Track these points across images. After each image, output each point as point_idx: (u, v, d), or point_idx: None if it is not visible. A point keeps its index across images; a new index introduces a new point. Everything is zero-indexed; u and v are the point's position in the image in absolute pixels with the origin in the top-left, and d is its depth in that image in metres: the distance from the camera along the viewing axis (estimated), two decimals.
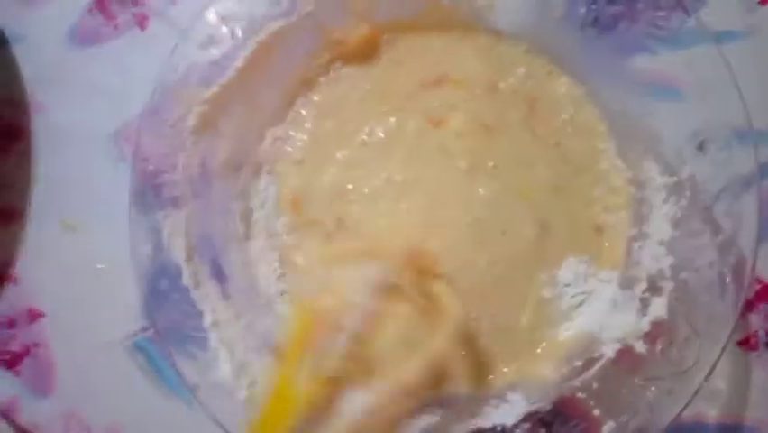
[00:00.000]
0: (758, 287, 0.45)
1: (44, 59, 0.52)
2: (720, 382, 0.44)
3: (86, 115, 0.51)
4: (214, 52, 0.41)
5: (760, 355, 0.44)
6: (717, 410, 0.43)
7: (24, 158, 0.50)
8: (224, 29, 0.41)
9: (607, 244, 0.42)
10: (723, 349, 0.36)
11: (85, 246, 0.49)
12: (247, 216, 0.45)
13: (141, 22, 0.52)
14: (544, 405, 0.38)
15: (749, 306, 0.45)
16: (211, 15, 0.41)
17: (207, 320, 0.40)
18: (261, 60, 0.42)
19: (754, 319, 0.45)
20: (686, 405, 0.35)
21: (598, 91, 0.43)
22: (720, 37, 0.46)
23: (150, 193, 0.40)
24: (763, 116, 0.45)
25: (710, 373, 0.35)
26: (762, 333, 0.45)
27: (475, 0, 0.44)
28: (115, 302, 0.47)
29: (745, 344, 0.44)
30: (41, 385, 0.47)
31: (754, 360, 0.44)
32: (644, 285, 0.39)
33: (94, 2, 0.52)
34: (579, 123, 0.44)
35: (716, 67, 0.37)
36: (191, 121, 0.41)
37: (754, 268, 0.36)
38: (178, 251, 0.40)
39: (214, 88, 0.41)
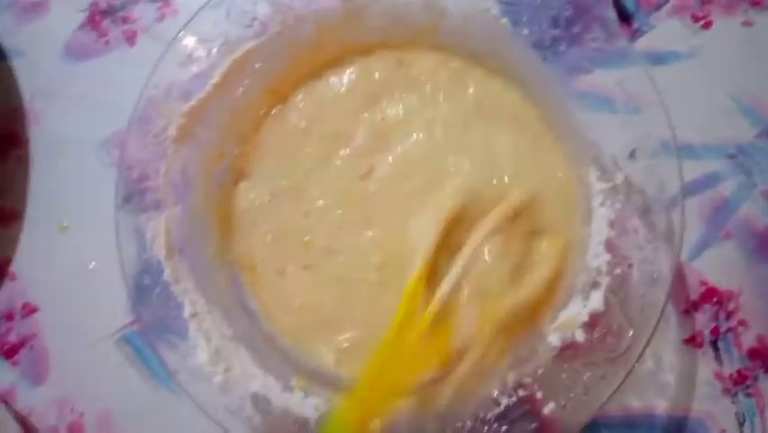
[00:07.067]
0: (703, 288, 0.50)
1: (41, 72, 0.58)
2: (669, 377, 0.49)
3: (78, 124, 0.57)
4: (193, 69, 0.47)
5: (705, 352, 0.49)
6: (665, 403, 0.49)
7: (22, 163, 0.57)
8: (202, 49, 0.47)
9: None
10: (650, 337, 0.41)
11: (77, 246, 0.55)
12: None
13: (131, 38, 0.58)
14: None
15: (695, 306, 0.50)
16: (190, 37, 0.47)
17: (187, 312, 0.45)
18: (235, 76, 0.48)
19: (700, 319, 0.50)
20: (616, 388, 0.41)
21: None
22: (665, 57, 0.53)
23: (134, 197, 0.46)
24: (702, 129, 0.52)
25: (639, 359, 0.41)
26: (707, 332, 0.50)
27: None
28: (106, 298, 0.52)
29: (692, 342, 0.50)
30: (36, 374, 0.53)
31: (700, 357, 0.49)
32: (584, 279, 0.45)
33: (87, 19, 0.59)
34: None
35: (644, 86, 0.42)
36: (172, 131, 0.47)
37: (679, 263, 0.42)
38: (159, 250, 0.46)
39: (193, 102, 0.47)
